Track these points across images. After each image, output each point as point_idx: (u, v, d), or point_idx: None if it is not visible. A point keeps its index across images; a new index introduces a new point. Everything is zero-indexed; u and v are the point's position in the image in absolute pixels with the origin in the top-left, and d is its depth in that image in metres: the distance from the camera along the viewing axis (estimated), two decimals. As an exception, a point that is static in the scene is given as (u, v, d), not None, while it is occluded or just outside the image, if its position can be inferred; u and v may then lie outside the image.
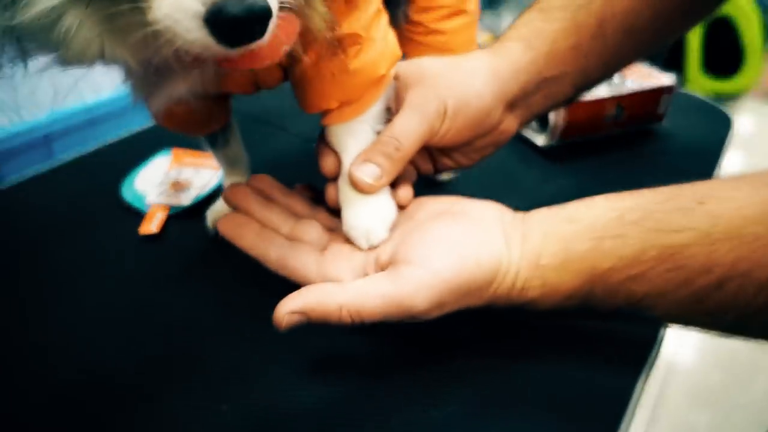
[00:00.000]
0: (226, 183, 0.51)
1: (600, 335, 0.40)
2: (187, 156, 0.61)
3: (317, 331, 0.35)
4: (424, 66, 0.42)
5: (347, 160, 0.40)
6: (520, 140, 0.64)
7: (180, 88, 0.35)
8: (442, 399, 0.35)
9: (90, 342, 0.40)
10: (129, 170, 0.59)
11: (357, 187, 0.39)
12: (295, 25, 0.30)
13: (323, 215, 0.44)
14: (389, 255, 0.37)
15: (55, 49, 0.27)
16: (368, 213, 0.40)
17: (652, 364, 0.38)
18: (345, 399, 0.36)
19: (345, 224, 0.41)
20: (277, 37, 0.27)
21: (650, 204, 0.33)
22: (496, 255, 0.35)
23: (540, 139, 0.63)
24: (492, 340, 0.39)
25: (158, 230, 0.51)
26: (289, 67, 0.38)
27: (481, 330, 0.39)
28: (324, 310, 0.34)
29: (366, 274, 0.38)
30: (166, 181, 0.57)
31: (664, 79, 0.64)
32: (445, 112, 0.40)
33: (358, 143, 0.40)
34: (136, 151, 0.62)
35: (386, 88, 0.40)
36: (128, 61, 0.28)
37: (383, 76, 0.39)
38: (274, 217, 0.42)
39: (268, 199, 0.44)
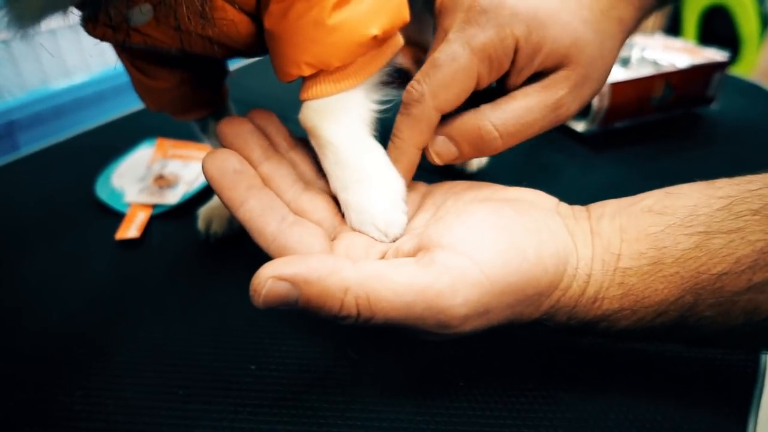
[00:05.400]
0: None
1: (673, 361, 0.32)
2: (174, 147, 0.53)
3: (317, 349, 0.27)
4: None
5: (333, 148, 0.31)
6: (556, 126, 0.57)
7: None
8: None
9: (54, 364, 0.32)
10: (104, 164, 0.52)
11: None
12: None
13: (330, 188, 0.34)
14: (415, 242, 0.28)
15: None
16: (376, 200, 0.30)
17: (758, 405, 0.30)
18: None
19: (350, 221, 0.31)
20: None
21: None
22: (562, 250, 0.26)
23: (579, 125, 0.55)
24: (539, 372, 0.31)
25: (139, 234, 0.43)
26: (257, 15, 0.30)
27: (525, 355, 0.32)
28: (323, 287, 0.24)
29: None
30: (148, 176, 0.49)
31: (716, 55, 0.57)
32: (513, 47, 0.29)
33: (340, 132, 0.31)
34: (113, 141, 0.55)
35: (384, 58, 0.31)
36: None
37: (375, 39, 0.30)
38: (278, 176, 0.32)
39: (272, 146, 0.33)
